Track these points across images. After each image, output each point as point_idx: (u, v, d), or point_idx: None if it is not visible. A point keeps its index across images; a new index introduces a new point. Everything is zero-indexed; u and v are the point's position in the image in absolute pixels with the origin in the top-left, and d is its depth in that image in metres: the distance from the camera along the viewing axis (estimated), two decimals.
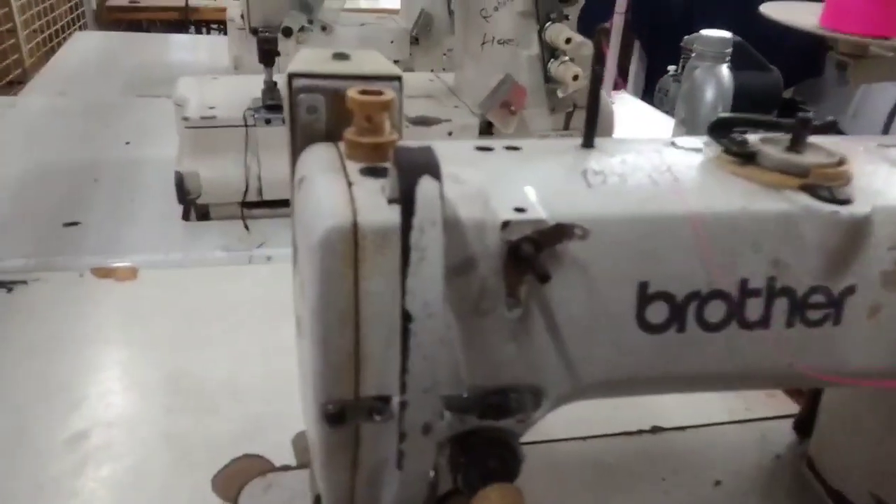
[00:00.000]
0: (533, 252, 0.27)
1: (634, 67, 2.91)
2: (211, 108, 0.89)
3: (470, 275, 0.29)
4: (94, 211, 0.92)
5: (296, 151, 0.36)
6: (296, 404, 0.61)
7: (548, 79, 0.91)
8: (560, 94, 0.91)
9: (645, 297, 0.31)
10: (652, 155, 0.35)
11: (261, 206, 0.92)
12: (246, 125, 0.89)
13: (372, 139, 0.31)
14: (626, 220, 0.31)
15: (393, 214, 0.28)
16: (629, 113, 1.45)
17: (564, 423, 0.45)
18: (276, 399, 0.62)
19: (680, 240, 0.31)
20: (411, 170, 0.25)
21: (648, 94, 1.87)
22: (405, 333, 0.25)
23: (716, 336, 0.33)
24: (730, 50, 1.01)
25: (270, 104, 0.91)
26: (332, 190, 0.29)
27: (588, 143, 0.35)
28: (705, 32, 1.07)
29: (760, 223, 0.32)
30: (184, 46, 1.94)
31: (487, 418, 0.32)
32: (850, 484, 0.49)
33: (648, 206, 0.31)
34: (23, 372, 0.62)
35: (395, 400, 0.31)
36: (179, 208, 0.91)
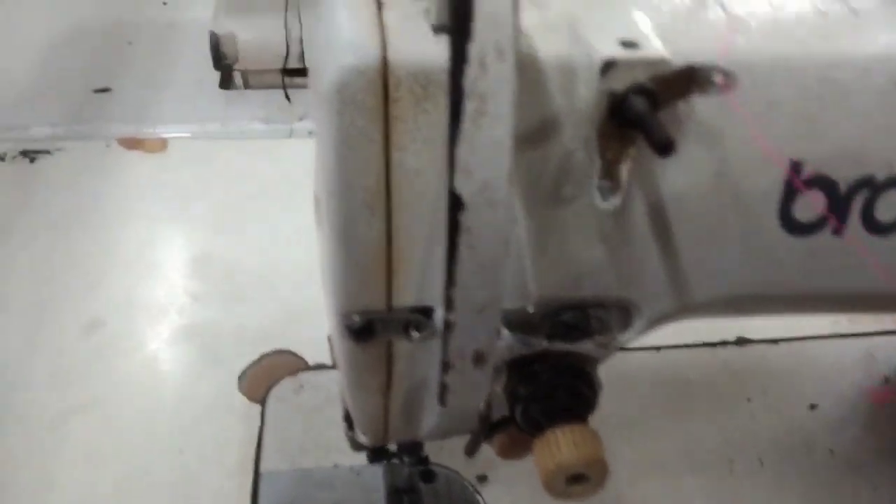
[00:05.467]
0: (648, 109, 0.18)
1: None
2: None
3: (547, 145, 0.20)
4: (126, 76, 0.85)
5: None
6: None
7: None
8: None
9: (794, 183, 0.22)
10: None
11: (303, 73, 0.83)
12: None
13: None
14: (784, 66, 0.21)
15: (441, 48, 0.19)
16: None
17: None
18: (312, 289, 0.55)
19: (859, 98, 0.21)
20: None
21: None
22: (453, 228, 0.17)
23: (887, 242, 0.24)
24: None
25: None
26: (353, 14, 0.20)
27: None
28: None
29: None
30: None
31: (558, 340, 0.24)
32: None
33: (816, 46, 0.21)
34: (42, 247, 0.57)
35: (439, 313, 0.23)
36: (217, 75, 0.83)
